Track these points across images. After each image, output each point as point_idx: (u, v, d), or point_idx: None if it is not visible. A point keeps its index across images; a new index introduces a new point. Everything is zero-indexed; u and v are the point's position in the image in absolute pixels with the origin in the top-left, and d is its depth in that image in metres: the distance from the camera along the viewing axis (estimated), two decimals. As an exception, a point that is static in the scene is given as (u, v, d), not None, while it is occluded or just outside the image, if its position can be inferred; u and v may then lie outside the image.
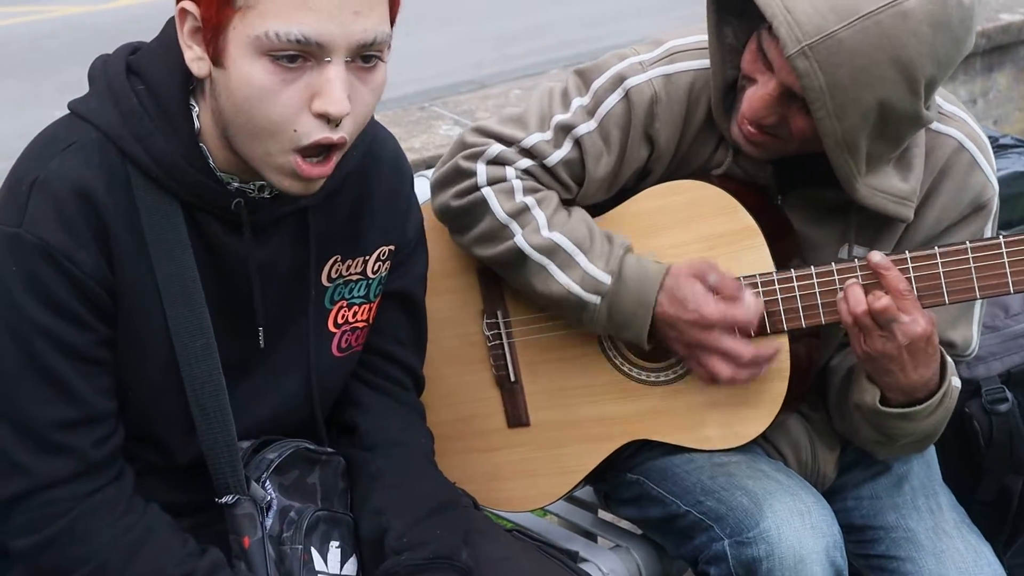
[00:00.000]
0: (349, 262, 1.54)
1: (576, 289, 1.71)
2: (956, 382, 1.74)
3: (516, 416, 1.88)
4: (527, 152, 1.76)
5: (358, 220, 1.54)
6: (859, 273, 1.66)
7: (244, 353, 1.48)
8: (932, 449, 1.92)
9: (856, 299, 1.63)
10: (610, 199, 1.80)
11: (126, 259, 1.38)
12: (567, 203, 1.79)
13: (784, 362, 1.72)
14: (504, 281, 1.85)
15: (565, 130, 1.76)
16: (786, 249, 1.75)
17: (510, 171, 1.76)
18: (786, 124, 1.63)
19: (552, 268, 1.73)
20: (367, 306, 1.57)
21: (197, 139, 1.39)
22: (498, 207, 1.74)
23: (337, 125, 1.32)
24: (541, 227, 1.73)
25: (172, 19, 1.41)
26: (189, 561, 1.41)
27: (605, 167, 1.75)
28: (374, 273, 1.57)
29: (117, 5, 8.90)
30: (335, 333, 1.55)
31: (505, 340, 1.87)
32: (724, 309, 1.67)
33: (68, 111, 1.43)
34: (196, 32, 1.33)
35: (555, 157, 1.76)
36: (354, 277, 1.55)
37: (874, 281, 1.64)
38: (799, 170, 1.73)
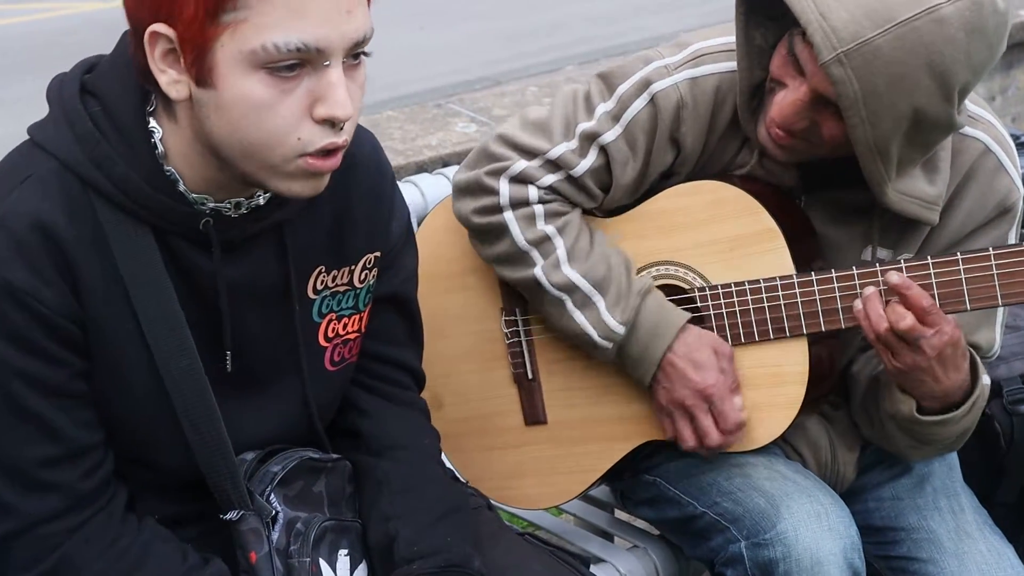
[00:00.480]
0: (335, 272, 1.50)
1: (590, 331, 1.73)
2: (987, 379, 1.72)
3: (533, 414, 1.87)
4: (552, 164, 1.75)
5: (340, 229, 1.50)
6: (881, 279, 1.64)
7: (231, 373, 1.45)
8: (955, 456, 1.90)
9: (877, 316, 1.61)
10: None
11: (96, 290, 1.35)
12: (591, 213, 1.79)
13: (802, 366, 1.71)
14: None
15: (590, 138, 1.74)
16: (807, 251, 1.74)
17: (533, 192, 1.75)
18: (817, 129, 1.62)
19: (568, 306, 1.74)
20: (357, 316, 1.54)
21: (160, 161, 1.34)
22: (519, 234, 1.74)
23: (340, 128, 1.29)
24: (561, 262, 1.73)
25: (125, 33, 1.35)
26: (191, 574, 1.40)
27: (631, 172, 1.74)
28: (361, 282, 1.53)
29: (134, 2, 8.93)
30: (327, 347, 1.52)
31: (523, 338, 1.86)
32: (723, 392, 1.70)
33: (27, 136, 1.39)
34: (170, 55, 1.26)
35: (582, 167, 1.74)
36: (341, 288, 1.51)
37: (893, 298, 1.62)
38: (824, 172, 1.72)
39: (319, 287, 1.49)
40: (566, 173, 1.75)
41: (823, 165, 1.70)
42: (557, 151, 1.74)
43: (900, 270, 1.63)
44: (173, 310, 1.38)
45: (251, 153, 1.29)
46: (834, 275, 1.67)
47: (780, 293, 1.69)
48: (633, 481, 1.89)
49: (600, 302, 1.72)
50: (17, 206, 1.31)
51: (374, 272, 1.54)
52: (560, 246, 1.74)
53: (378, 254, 1.53)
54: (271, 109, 1.25)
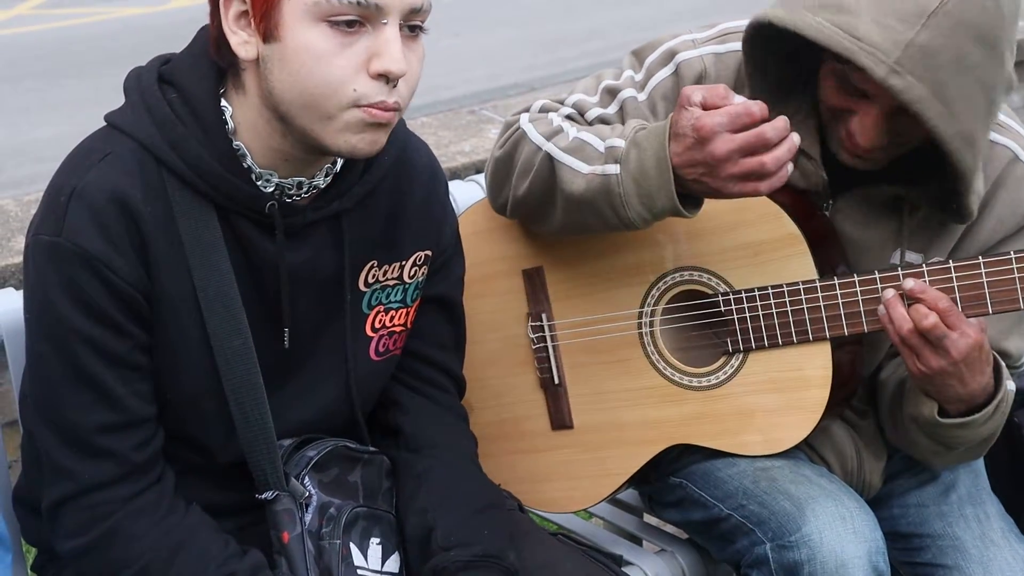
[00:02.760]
0: (386, 267, 1.56)
1: (599, 169, 1.62)
2: (1011, 385, 1.73)
3: (560, 418, 1.89)
4: (570, 107, 1.78)
5: (394, 226, 1.56)
6: (926, 268, 1.64)
7: (282, 355, 1.50)
8: (981, 462, 1.91)
9: (900, 318, 1.61)
10: None
11: (164, 265, 1.41)
12: None
13: (826, 369, 1.72)
14: (549, 283, 1.86)
15: (612, 92, 1.77)
16: (831, 257, 1.75)
17: (552, 113, 1.77)
18: (900, 136, 1.63)
19: (578, 164, 1.65)
20: (404, 310, 1.59)
21: (231, 141, 1.42)
22: (534, 132, 1.74)
23: (394, 86, 1.35)
24: (570, 135, 1.70)
25: (203, 29, 1.44)
26: (230, 563, 1.43)
27: None
28: (411, 278, 1.58)
29: (175, 6, 9.03)
30: (373, 337, 1.57)
31: (549, 343, 1.88)
32: (719, 111, 1.52)
33: (105, 122, 1.46)
34: (241, 16, 1.36)
35: (594, 112, 1.77)
36: (391, 282, 1.57)
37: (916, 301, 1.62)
38: (852, 170, 1.72)
39: (370, 281, 1.55)
40: (581, 114, 1.78)
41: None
42: (575, 97, 1.79)
43: (921, 275, 1.63)
44: (231, 289, 1.43)
45: (310, 103, 1.35)
46: (856, 279, 1.68)
47: (803, 297, 1.70)
48: (660, 484, 1.90)
49: (601, 144, 1.64)
50: (97, 180, 1.38)
51: (423, 270, 1.59)
52: (572, 128, 1.71)
53: (429, 253, 1.59)
54: (330, 60, 1.33)
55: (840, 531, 1.65)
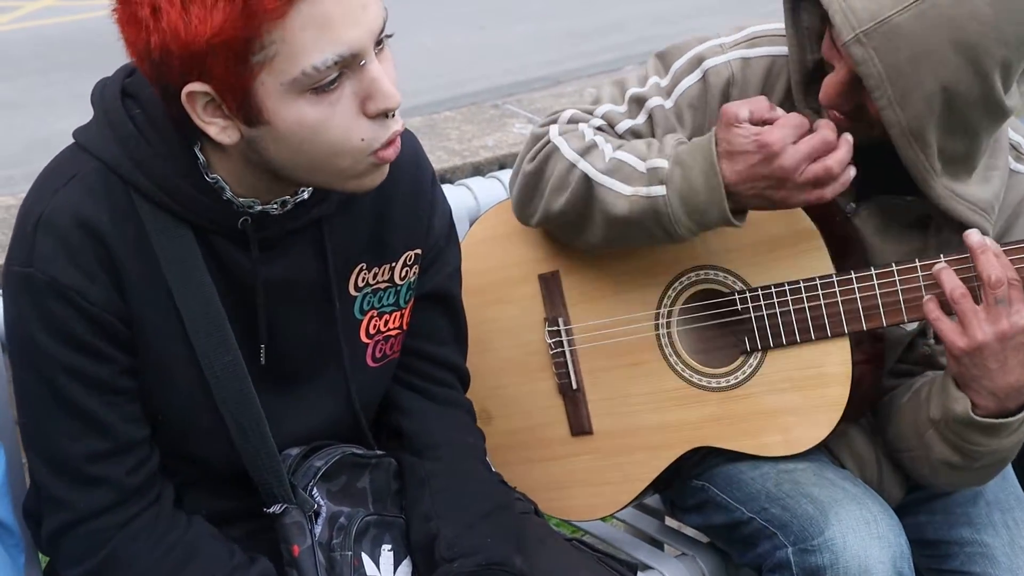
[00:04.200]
0: (376, 270, 1.52)
1: (642, 190, 1.63)
2: None
3: (579, 424, 1.86)
4: (599, 119, 1.76)
5: (380, 226, 1.51)
6: (920, 275, 1.62)
7: (265, 370, 1.46)
8: (1010, 467, 1.86)
9: (952, 283, 1.56)
10: None
11: (140, 287, 1.37)
12: None
13: (845, 366, 1.70)
14: (565, 288, 1.84)
15: (639, 102, 1.75)
16: (852, 264, 1.71)
17: (583, 125, 1.75)
18: (865, 109, 1.60)
19: (619, 186, 1.65)
20: (398, 313, 1.55)
21: (204, 173, 1.36)
22: (567, 148, 1.71)
23: (394, 116, 1.31)
24: (606, 154, 1.69)
25: None
26: (237, 573, 1.42)
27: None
28: (402, 279, 1.54)
29: None
30: (368, 344, 1.53)
31: (567, 348, 1.86)
32: (779, 125, 1.55)
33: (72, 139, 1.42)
34: (211, 106, 1.28)
35: (624, 124, 1.75)
36: (382, 285, 1.53)
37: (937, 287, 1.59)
38: (877, 173, 1.70)
39: (360, 284, 1.51)
40: (611, 127, 1.76)
41: (875, 165, 1.68)
42: (604, 108, 1.77)
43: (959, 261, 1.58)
44: (214, 307, 1.40)
45: (319, 168, 1.31)
46: (873, 272, 1.65)
47: (820, 292, 1.68)
48: (682, 487, 1.88)
49: (642, 164, 1.64)
50: (62, 205, 1.34)
51: (415, 269, 1.55)
52: (607, 147, 1.69)
53: (419, 251, 1.55)
54: (327, 124, 1.28)
55: (864, 535, 1.63)
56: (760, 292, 1.72)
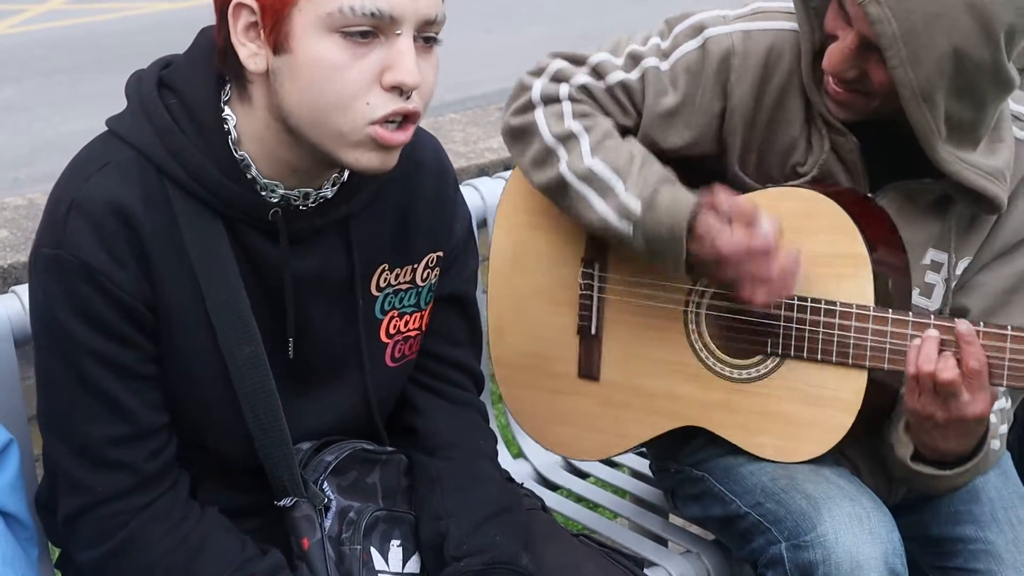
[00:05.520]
0: (397, 271, 1.53)
1: (612, 217, 1.69)
2: (995, 445, 1.70)
3: (588, 368, 1.87)
4: (591, 68, 1.77)
5: (404, 228, 1.53)
6: (957, 323, 1.60)
7: (292, 364, 1.48)
8: (1010, 462, 1.89)
9: (926, 356, 1.59)
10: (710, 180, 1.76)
11: (167, 275, 1.38)
12: (625, 131, 1.78)
13: (857, 395, 1.70)
14: None
15: (635, 59, 1.76)
16: (900, 280, 1.70)
17: (564, 90, 1.76)
18: (867, 78, 1.61)
19: (592, 197, 1.70)
20: (419, 314, 1.57)
21: (233, 149, 1.39)
22: (546, 130, 1.74)
23: (408, 97, 1.32)
24: (584, 154, 1.72)
25: (203, 31, 1.42)
26: (249, 565, 1.42)
27: (667, 104, 1.74)
28: (423, 281, 1.56)
29: (208, 2, 9.08)
30: (387, 343, 1.55)
31: (596, 292, 1.86)
32: (739, 241, 1.61)
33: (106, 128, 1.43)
34: (251, 28, 1.32)
35: (617, 76, 1.76)
36: (403, 286, 1.54)
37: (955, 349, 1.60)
38: (892, 158, 1.70)
39: (382, 284, 1.52)
40: (602, 79, 1.76)
41: (891, 148, 1.69)
42: (598, 57, 1.77)
43: (977, 334, 1.59)
44: (239, 297, 1.41)
45: (321, 119, 1.32)
46: (910, 319, 1.64)
47: (853, 323, 1.67)
48: (682, 476, 1.89)
49: (619, 184, 1.70)
50: (96, 191, 1.35)
51: (436, 272, 1.56)
52: (585, 142, 1.73)
53: (440, 254, 1.56)
54: (342, 72, 1.29)
55: (856, 531, 1.64)
56: (796, 302, 1.71)
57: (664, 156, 1.75)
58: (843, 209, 1.67)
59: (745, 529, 1.76)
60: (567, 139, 1.73)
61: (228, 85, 1.39)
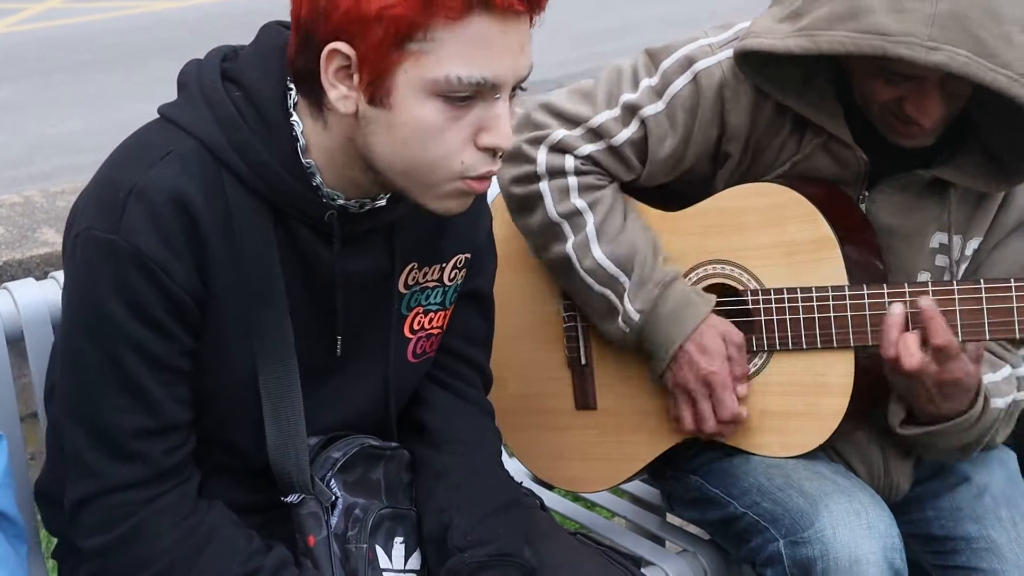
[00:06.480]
0: (426, 269, 1.53)
1: (607, 315, 1.76)
2: (998, 403, 1.70)
3: (584, 399, 1.88)
4: (593, 133, 1.77)
5: (440, 230, 1.53)
6: (931, 288, 1.63)
7: (323, 357, 1.48)
8: (1015, 461, 1.88)
9: (887, 341, 1.63)
10: (693, 188, 1.79)
11: (218, 269, 1.37)
12: (630, 184, 1.79)
13: (847, 377, 1.70)
14: None
15: (632, 110, 1.76)
16: (865, 251, 1.72)
17: (569, 162, 1.76)
18: (958, 94, 1.62)
19: (596, 286, 1.76)
20: (443, 313, 1.57)
21: (298, 151, 1.38)
22: (551, 206, 1.77)
23: (500, 156, 1.33)
24: (591, 241, 1.75)
25: (268, 26, 1.41)
26: (254, 559, 1.41)
27: (668, 148, 1.75)
28: (450, 280, 1.56)
29: (207, 1, 9.07)
30: (411, 339, 1.55)
31: (580, 323, 1.87)
32: (724, 381, 1.71)
33: (159, 115, 1.42)
34: (343, 71, 1.30)
35: (622, 137, 1.76)
36: (431, 284, 1.54)
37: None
38: (881, 158, 1.71)
39: (410, 282, 1.53)
40: (606, 143, 1.76)
41: (882, 150, 1.69)
42: (599, 119, 1.76)
43: (953, 292, 1.62)
44: (277, 289, 1.40)
45: (412, 172, 1.33)
46: (885, 290, 1.66)
47: (831, 303, 1.68)
48: (678, 481, 1.89)
49: (624, 285, 1.74)
50: (158, 180, 1.34)
51: (463, 272, 1.57)
52: (590, 222, 1.75)
53: (469, 255, 1.57)
54: (440, 134, 1.30)
55: (854, 527, 1.63)
56: (773, 295, 1.72)
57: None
58: (802, 196, 1.70)
59: (743, 529, 1.75)
60: (572, 216, 1.76)
61: (294, 90, 1.37)
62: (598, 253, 1.75)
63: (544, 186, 1.77)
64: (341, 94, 1.31)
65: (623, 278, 1.74)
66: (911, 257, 1.74)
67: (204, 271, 1.36)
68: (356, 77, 1.29)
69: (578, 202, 1.76)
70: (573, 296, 1.82)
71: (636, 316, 1.73)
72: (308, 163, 1.38)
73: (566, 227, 1.76)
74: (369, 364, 1.52)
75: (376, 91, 1.29)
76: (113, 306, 1.34)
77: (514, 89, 1.33)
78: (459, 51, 1.26)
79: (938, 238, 1.74)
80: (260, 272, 1.39)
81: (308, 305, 1.44)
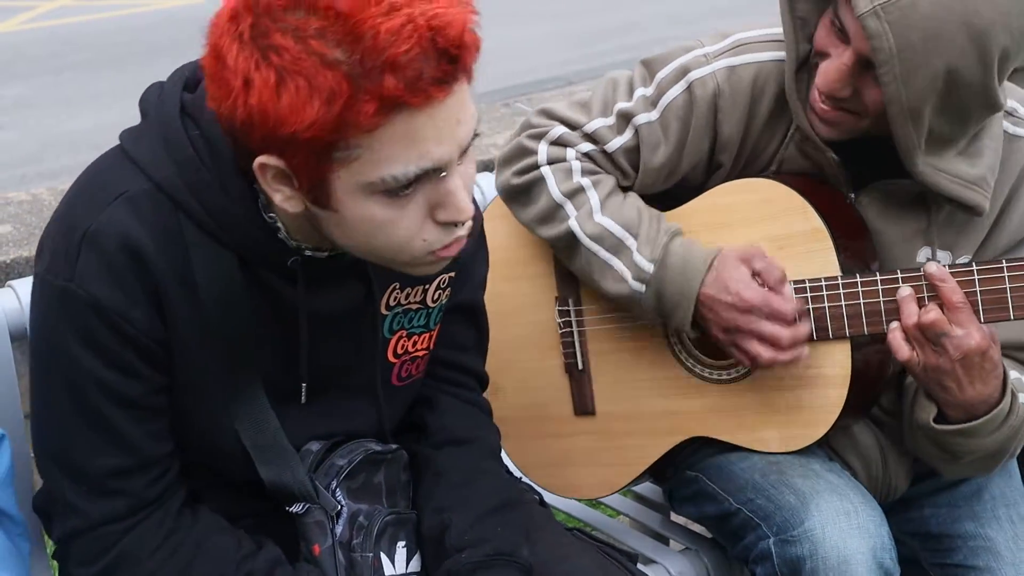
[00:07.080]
0: (408, 290, 1.50)
1: (624, 276, 1.72)
2: None
3: (583, 404, 1.88)
4: (589, 137, 1.78)
5: None
6: (924, 283, 1.63)
7: (308, 396, 1.47)
8: (1014, 462, 1.86)
9: (908, 311, 1.61)
10: (685, 193, 1.80)
11: (179, 311, 1.35)
12: (625, 190, 1.80)
13: (844, 368, 1.70)
14: None
15: (626, 118, 1.77)
16: (862, 250, 1.72)
17: (570, 152, 1.78)
18: (860, 97, 1.61)
19: (602, 255, 1.74)
20: (427, 335, 1.55)
21: (262, 211, 1.33)
22: (554, 186, 1.76)
23: (463, 224, 1.28)
24: (594, 211, 1.74)
25: None
26: (245, 563, 1.41)
27: (662, 157, 1.76)
28: (434, 302, 1.54)
29: (215, -1, 9.09)
30: (395, 363, 1.53)
31: (576, 328, 1.87)
32: (764, 294, 1.65)
33: (119, 144, 1.37)
34: (280, 175, 1.24)
35: (615, 143, 1.77)
36: (413, 306, 1.52)
37: (933, 293, 1.61)
38: (870, 162, 1.71)
39: (391, 304, 1.50)
40: (600, 148, 1.78)
41: (866, 154, 1.69)
42: (593, 125, 1.78)
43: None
44: (244, 329, 1.38)
45: (376, 255, 1.31)
46: (878, 279, 1.66)
47: (824, 294, 1.68)
48: (678, 477, 1.89)
49: (632, 243, 1.73)
50: (109, 225, 1.31)
51: (447, 292, 1.55)
52: (593, 196, 1.76)
53: (452, 275, 1.54)
54: (393, 224, 1.25)
55: (843, 526, 1.63)
56: None
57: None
58: (793, 190, 1.70)
59: (738, 526, 1.76)
60: (575, 194, 1.76)
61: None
62: (601, 218, 1.74)
63: (546, 170, 1.78)
64: (285, 196, 1.26)
65: (629, 239, 1.72)
66: (898, 265, 1.73)
67: (163, 315, 1.34)
68: (295, 181, 1.24)
69: (582, 180, 1.76)
70: (582, 277, 1.80)
71: (649, 267, 1.70)
72: (271, 217, 1.34)
73: (569, 206, 1.76)
74: (357, 394, 1.51)
75: (317, 195, 1.24)
76: (77, 351, 1.32)
77: (463, 152, 1.25)
78: (388, 152, 1.19)
79: (924, 252, 1.74)
80: (224, 315, 1.36)
81: (279, 342, 1.42)
